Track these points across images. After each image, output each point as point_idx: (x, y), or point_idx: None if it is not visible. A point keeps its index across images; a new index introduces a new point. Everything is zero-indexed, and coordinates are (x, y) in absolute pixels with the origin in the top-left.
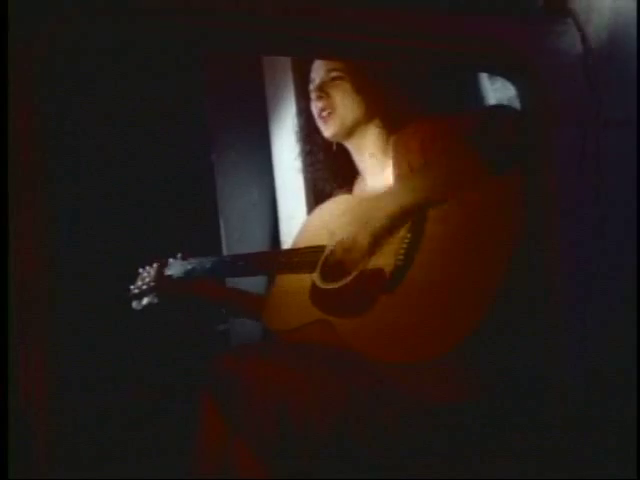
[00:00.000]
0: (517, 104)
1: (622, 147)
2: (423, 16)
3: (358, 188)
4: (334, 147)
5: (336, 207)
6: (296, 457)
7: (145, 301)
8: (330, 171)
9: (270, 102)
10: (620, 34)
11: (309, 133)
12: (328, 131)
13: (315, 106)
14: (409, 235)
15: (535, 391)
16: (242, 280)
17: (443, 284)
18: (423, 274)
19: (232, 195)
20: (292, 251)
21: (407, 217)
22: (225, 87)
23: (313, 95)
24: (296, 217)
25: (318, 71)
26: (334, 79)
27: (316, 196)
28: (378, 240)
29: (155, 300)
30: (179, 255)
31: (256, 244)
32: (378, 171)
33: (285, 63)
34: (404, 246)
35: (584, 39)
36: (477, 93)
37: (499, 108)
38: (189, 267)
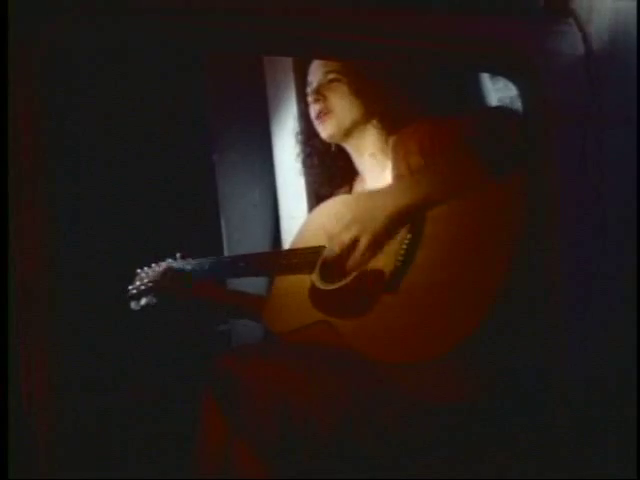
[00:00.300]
0: (519, 104)
1: (623, 147)
2: (423, 16)
3: (358, 189)
4: (333, 148)
5: (335, 207)
6: (297, 457)
7: (143, 301)
8: (329, 173)
9: (271, 102)
10: (621, 34)
11: (309, 135)
12: (325, 133)
13: (312, 109)
14: (409, 235)
15: (535, 391)
16: (243, 281)
17: (443, 284)
18: (423, 274)
19: (233, 195)
20: (292, 252)
21: (407, 217)
22: (226, 87)
23: (310, 98)
24: (297, 217)
25: (315, 74)
26: (331, 81)
27: (317, 196)
28: (378, 240)
29: (153, 301)
30: (178, 255)
31: (257, 244)
32: (378, 171)
33: (286, 63)
34: (404, 246)
35: (585, 39)
36: (479, 93)
37: (500, 109)
38: (189, 268)
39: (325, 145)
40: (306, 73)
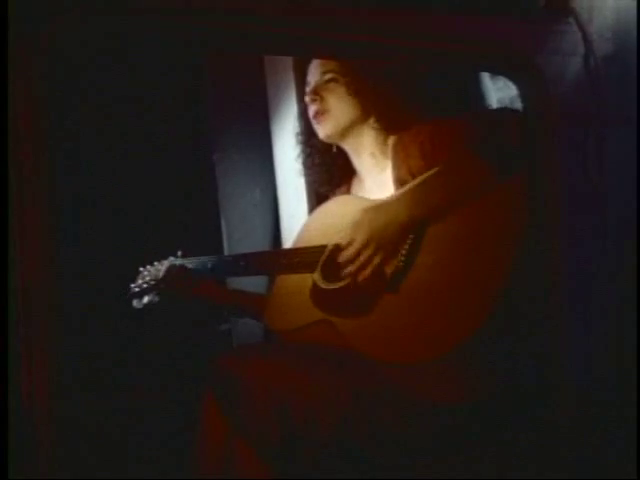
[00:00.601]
0: (519, 104)
1: (623, 146)
2: (423, 16)
3: (356, 188)
4: (334, 149)
5: (337, 207)
6: (297, 457)
7: (146, 300)
8: (329, 172)
9: (271, 102)
10: (621, 33)
11: (309, 135)
12: (322, 133)
13: (310, 109)
14: (411, 236)
15: (535, 391)
16: (243, 280)
17: (445, 284)
18: (425, 275)
19: (233, 195)
20: (293, 251)
21: (416, 226)
22: (226, 87)
23: (307, 98)
24: (297, 216)
25: (313, 74)
26: (328, 81)
27: (317, 196)
28: (388, 252)
29: (156, 299)
30: (179, 253)
31: (257, 244)
32: (377, 172)
33: (286, 63)
34: (406, 247)
35: (585, 39)
36: (479, 93)
37: (500, 110)
38: (190, 266)
39: (325, 145)
40: (306, 73)
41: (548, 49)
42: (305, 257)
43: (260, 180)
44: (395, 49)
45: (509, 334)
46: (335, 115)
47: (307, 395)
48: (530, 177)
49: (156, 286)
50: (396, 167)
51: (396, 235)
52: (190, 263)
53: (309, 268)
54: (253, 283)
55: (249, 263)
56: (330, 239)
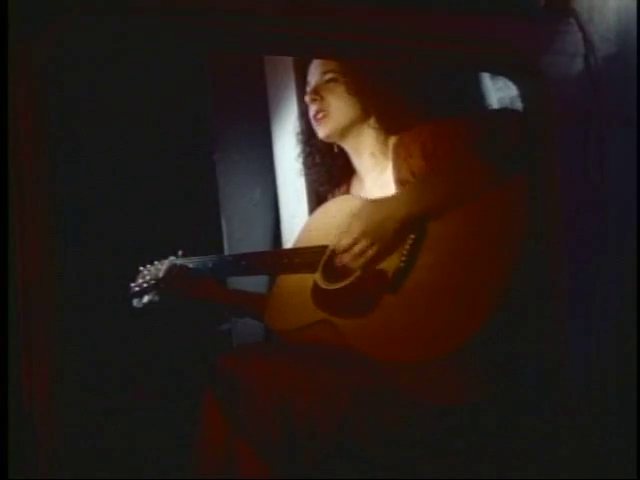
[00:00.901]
0: (519, 104)
1: (623, 146)
2: (423, 16)
3: (356, 188)
4: (335, 149)
5: (337, 207)
6: (297, 457)
7: (146, 299)
8: (329, 172)
9: (272, 102)
10: (622, 33)
11: (310, 135)
12: (321, 132)
13: (310, 109)
14: (412, 236)
15: (535, 391)
16: (244, 280)
17: (446, 285)
18: (426, 275)
19: (234, 195)
20: (294, 251)
21: (415, 224)
22: (227, 87)
23: (307, 98)
24: (298, 216)
25: (313, 74)
26: (328, 81)
27: (317, 196)
28: (387, 249)
29: (156, 298)
30: (180, 252)
31: (258, 244)
32: (378, 172)
33: (287, 63)
34: (407, 247)
35: (586, 39)
36: (479, 92)
37: (502, 112)
38: (191, 266)
39: (325, 145)
40: (306, 73)
41: (548, 49)
42: (306, 257)
43: (260, 180)
44: (395, 49)
45: (509, 334)
46: (335, 115)
47: (307, 395)
48: (530, 177)
49: (156, 285)
50: (397, 167)
51: (393, 231)
52: (190, 263)
53: (310, 268)
54: (253, 283)
55: (250, 263)
56: (331, 239)
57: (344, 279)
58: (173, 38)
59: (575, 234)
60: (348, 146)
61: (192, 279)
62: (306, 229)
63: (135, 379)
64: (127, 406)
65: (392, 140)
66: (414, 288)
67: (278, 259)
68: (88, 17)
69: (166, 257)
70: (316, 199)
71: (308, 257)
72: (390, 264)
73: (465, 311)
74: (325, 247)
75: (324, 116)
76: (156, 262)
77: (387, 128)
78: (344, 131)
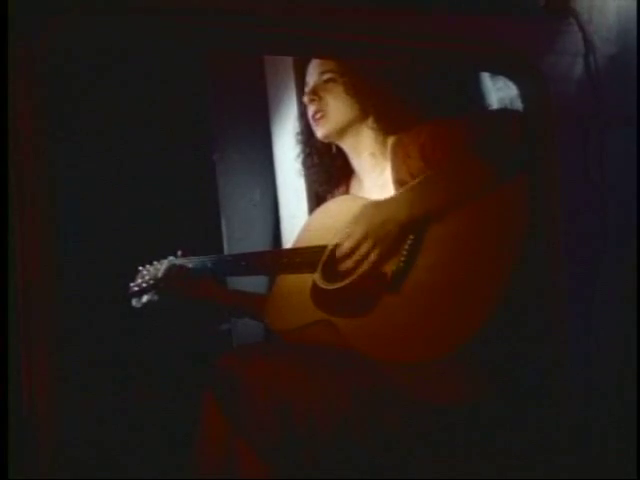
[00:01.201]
0: (519, 104)
1: (623, 146)
2: (423, 16)
3: (355, 189)
4: (333, 149)
5: (337, 207)
6: (297, 457)
7: (145, 299)
8: (328, 172)
9: (272, 102)
10: (622, 33)
11: (309, 135)
12: (320, 133)
13: (309, 109)
14: (412, 236)
15: (535, 392)
16: (243, 280)
17: (445, 285)
18: (426, 275)
19: (234, 195)
20: (293, 251)
21: (416, 226)
22: (227, 87)
23: (306, 98)
24: (298, 216)
25: (312, 74)
26: (326, 82)
27: (317, 196)
28: (386, 249)
29: (155, 298)
30: (179, 252)
31: (258, 244)
32: (376, 172)
33: (287, 63)
34: (407, 247)
35: (586, 38)
36: (479, 92)
37: (502, 112)
38: (190, 265)
39: (324, 145)
40: (305, 73)
41: (548, 49)
42: (306, 257)
43: (260, 180)
44: (395, 49)
45: (509, 334)
46: (333, 115)
47: (307, 395)
48: (530, 177)
49: (155, 285)
50: (395, 168)
51: (394, 233)
52: (190, 263)
53: (310, 268)
54: (253, 283)
55: (250, 263)
56: (330, 239)
57: (343, 279)
58: (173, 38)
59: (575, 234)
60: (347, 146)
61: (191, 279)
62: (306, 229)
63: (135, 379)
64: (127, 406)
65: (391, 140)
66: (414, 288)
67: (278, 259)
68: (88, 17)
69: (166, 257)
70: (316, 199)
71: (308, 257)
72: (389, 264)
73: (465, 311)
74: (324, 247)
75: (322, 116)
76: (155, 262)
77: (386, 128)
78: (342, 131)
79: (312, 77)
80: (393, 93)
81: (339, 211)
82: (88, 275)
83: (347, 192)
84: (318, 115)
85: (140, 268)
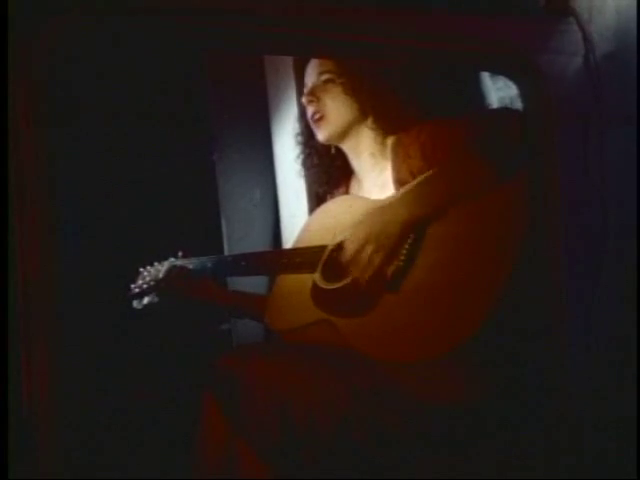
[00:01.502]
0: (519, 103)
1: (623, 146)
2: (423, 16)
3: (354, 189)
4: (332, 150)
5: (337, 208)
6: (297, 457)
7: (146, 300)
8: (328, 173)
9: (271, 102)
10: (621, 33)
11: (309, 136)
12: (321, 135)
13: (307, 110)
14: (411, 235)
15: (535, 391)
16: (243, 280)
17: (445, 284)
18: (425, 274)
19: (233, 195)
20: (293, 251)
21: (416, 226)
22: (227, 87)
23: (305, 100)
24: (298, 216)
25: (310, 76)
26: (325, 82)
27: (317, 196)
28: (389, 252)
29: (156, 299)
30: (180, 254)
31: (258, 244)
32: (377, 173)
33: (287, 64)
34: (406, 246)
35: (586, 38)
36: (479, 92)
37: (502, 112)
38: (190, 266)
39: (324, 146)
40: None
41: (548, 49)
42: (306, 257)
43: (260, 180)
44: (395, 49)
45: (509, 334)
46: (332, 116)
47: (307, 395)
48: (530, 177)
49: (156, 287)
50: (396, 168)
51: (397, 235)
52: (190, 264)
53: (310, 268)
54: (253, 283)
55: (249, 263)
56: (331, 239)
57: (343, 279)
58: (173, 38)
59: (575, 233)
60: (347, 147)
61: (192, 280)
62: (306, 229)
63: (135, 379)
64: (127, 406)
65: (390, 140)
66: (413, 287)
67: (278, 259)
68: (88, 17)
69: (166, 258)
70: (316, 199)
71: (308, 257)
72: (389, 264)
73: (464, 310)
74: (324, 247)
75: (321, 117)
76: (156, 263)
77: (385, 128)
78: (343, 133)
79: (310, 78)
80: (392, 93)
81: (339, 211)
82: (88, 275)
83: (347, 192)
84: (317, 116)
85: (141, 269)
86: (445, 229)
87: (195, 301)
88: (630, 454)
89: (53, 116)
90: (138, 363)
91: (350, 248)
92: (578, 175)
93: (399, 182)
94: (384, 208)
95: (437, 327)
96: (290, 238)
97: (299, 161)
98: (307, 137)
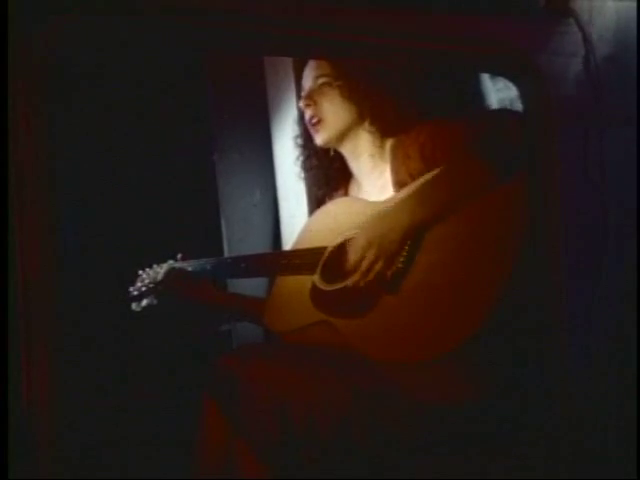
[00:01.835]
0: (519, 104)
1: (623, 146)
2: (423, 16)
3: (354, 192)
4: (331, 152)
5: (337, 209)
6: (297, 458)
7: (144, 302)
8: (327, 175)
9: (271, 103)
10: (621, 34)
11: (308, 138)
12: (319, 139)
13: (305, 114)
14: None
15: (535, 391)
16: (243, 282)
17: (445, 285)
18: (425, 275)
19: (233, 196)
20: (293, 252)
21: (419, 231)
22: (226, 87)
23: (302, 104)
24: (297, 217)
25: (307, 79)
26: (321, 86)
27: (317, 197)
28: (390, 258)
29: (154, 301)
30: (179, 256)
31: (257, 245)
32: (376, 174)
33: (287, 64)
34: (406, 247)
35: (586, 39)
36: (479, 93)
37: (502, 112)
38: (190, 269)
39: (323, 148)
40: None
41: (548, 49)
42: (305, 258)
43: (260, 181)
44: (395, 49)
45: (509, 334)
46: (330, 119)
47: (307, 395)
48: (530, 177)
49: (154, 289)
50: (395, 169)
51: (399, 240)
52: (189, 266)
53: (309, 269)
54: (253, 285)
55: (249, 265)
56: (330, 240)
57: (343, 280)
58: (173, 38)
59: (575, 234)
60: (345, 150)
61: (191, 282)
62: (306, 230)
63: (135, 379)
64: (127, 406)
65: (389, 142)
66: (413, 288)
67: (277, 260)
68: (88, 17)
69: (166, 258)
70: (316, 200)
71: (307, 258)
72: (388, 265)
73: (464, 311)
74: (324, 248)
75: (319, 121)
76: (155, 265)
77: (383, 131)
78: (342, 136)
79: (307, 82)
80: (389, 96)
81: (339, 212)
82: (88, 275)
83: (346, 195)
84: (314, 120)
85: (140, 272)
86: (445, 230)
87: (194, 303)
88: (630, 454)
89: (53, 116)
90: (138, 363)
91: (351, 253)
92: (578, 175)
93: (398, 184)
94: (386, 213)
95: (437, 327)
96: (290, 239)
97: (298, 163)
98: (306, 139)
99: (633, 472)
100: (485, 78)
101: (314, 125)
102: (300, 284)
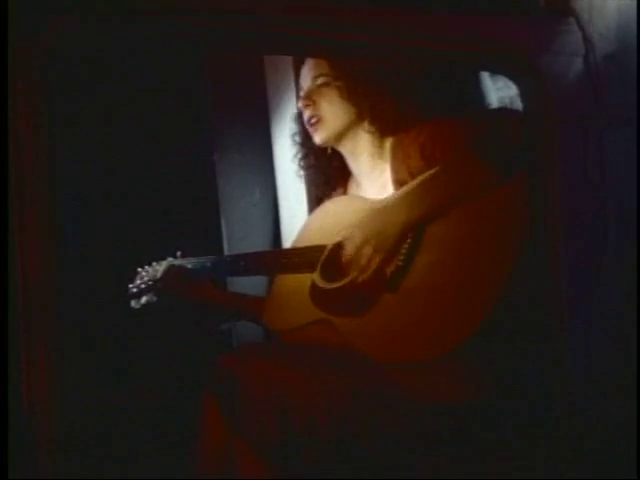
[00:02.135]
0: (519, 103)
1: (623, 146)
2: (423, 16)
3: (353, 190)
4: (329, 150)
5: (336, 207)
6: (297, 457)
7: (144, 300)
8: (326, 174)
9: (271, 103)
10: (622, 33)
11: (306, 137)
12: (318, 139)
13: (304, 114)
14: (411, 235)
15: (535, 391)
16: (243, 280)
17: (445, 284)
18: (425, 274)
19: (233, 195)
20: (293, 251)
21: (416, 227)
22: (226, 87)
23: (301, 104)
24: (297, 217)
25: (305, 79)
26: (320, 86)
27: (315, 197)
28: (388, 253)
29: (154, 299)
30: (179, 254)
31: (257, 244)
32: (376, 174)
33: (287, 64)
34: (405, 246)
35: (586, 38)
36: (479, 92)
37: (502, 112)
38: (189, 266)
39: (321, 147)
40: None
41: (548, 49)
42: (305, 257)
43: (260, 180)
44: (395, 49)
45: (509, 334)
46: (329, 119)
47: (307, 395)
48: (530, 177)
49: (154, 286)
50: (395, 169)
51: (396, 236)
52: (189, 263)
53: (309, 268)
54: (253, 283)
55: (249, 263)
56: (330, 239)
57: (342, 278)
58: (173, 38)
59: (575, 234)
60: (344, 150)
61: (189, 280)
62: (305, 229)
63: (135, 379)
64: (127, 406)
65: (388, 142)
66: (413, 287)
67: (277, 259)
68: (88, 17)
69: (165, 258)
70: (316, 199)
71: (306, 257)
72: (388, 263)
73: (464, 310)
74: (324, 247)
75: (318, 121)
76: (154, 263)
77: (382, 130)
78: (340, 135)
79: (306, 82)
80: (389, 95)
81: (338, 211)
82: (88, 275)
83: (345, 194)
84: (313, 120)
85: (139, 269)
86: (445, 229)
87: (193, 301)
88: (630, 454)
89: (53, 116)
90: (138, 363)
91: (349, 248)
92: (578, 175)
93: (398, 183)
94: (383, 209)
95: (437, 327)
96: (290, 239)
97: (296, 161)
98: (304, 137)
99: (633, 472)
100: (485, 77)
101: (313, 125)
102: (300, 282)
